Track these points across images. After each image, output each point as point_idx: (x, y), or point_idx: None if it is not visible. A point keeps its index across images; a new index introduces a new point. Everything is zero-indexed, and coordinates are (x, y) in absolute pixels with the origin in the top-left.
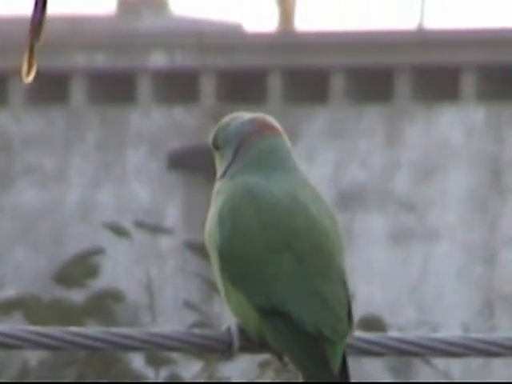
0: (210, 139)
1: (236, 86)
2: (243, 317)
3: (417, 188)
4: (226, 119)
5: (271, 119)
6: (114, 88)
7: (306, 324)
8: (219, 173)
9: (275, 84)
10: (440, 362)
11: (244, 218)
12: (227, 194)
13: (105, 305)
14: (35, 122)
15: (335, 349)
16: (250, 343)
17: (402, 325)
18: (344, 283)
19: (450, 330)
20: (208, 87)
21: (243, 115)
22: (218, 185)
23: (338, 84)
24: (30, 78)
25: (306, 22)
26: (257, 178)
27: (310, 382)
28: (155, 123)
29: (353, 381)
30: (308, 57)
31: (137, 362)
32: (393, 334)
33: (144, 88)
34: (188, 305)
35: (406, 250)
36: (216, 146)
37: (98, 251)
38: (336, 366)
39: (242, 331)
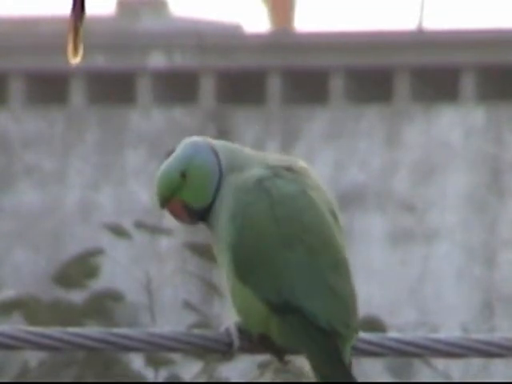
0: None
1: (236, 86)
2: (247, 313)
3: (416, 189)
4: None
5: None
6: (114, 89)
7: (318, 318)
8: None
9: (275, 85)
10: (440, 363)
11: (257, 213)
12: (237, 188)
13: (104, 305)
14: (35, 123)
15: (346, 343)
16: (250, 343)
17: (402, 325)
18: (351, 278)
19: (450, 331)
20: (208, 88)
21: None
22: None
23: (337, 85)
24: (77, 60)
25: (306, 22)
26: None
27: (317, 382)
28: (155, 124)
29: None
30: (308, 57)
31: (136, 362)
32: (392, 334)
33: (143, 89)
34: (187, 305)
35: (405, 250)
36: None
37: (98, 252)
38: (347, 361)
39: (240, 331)
